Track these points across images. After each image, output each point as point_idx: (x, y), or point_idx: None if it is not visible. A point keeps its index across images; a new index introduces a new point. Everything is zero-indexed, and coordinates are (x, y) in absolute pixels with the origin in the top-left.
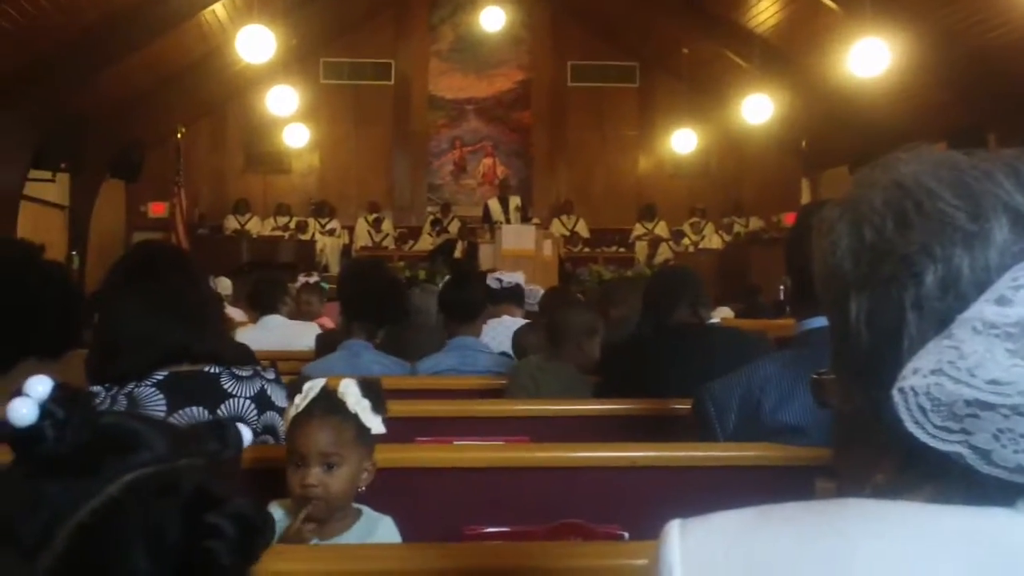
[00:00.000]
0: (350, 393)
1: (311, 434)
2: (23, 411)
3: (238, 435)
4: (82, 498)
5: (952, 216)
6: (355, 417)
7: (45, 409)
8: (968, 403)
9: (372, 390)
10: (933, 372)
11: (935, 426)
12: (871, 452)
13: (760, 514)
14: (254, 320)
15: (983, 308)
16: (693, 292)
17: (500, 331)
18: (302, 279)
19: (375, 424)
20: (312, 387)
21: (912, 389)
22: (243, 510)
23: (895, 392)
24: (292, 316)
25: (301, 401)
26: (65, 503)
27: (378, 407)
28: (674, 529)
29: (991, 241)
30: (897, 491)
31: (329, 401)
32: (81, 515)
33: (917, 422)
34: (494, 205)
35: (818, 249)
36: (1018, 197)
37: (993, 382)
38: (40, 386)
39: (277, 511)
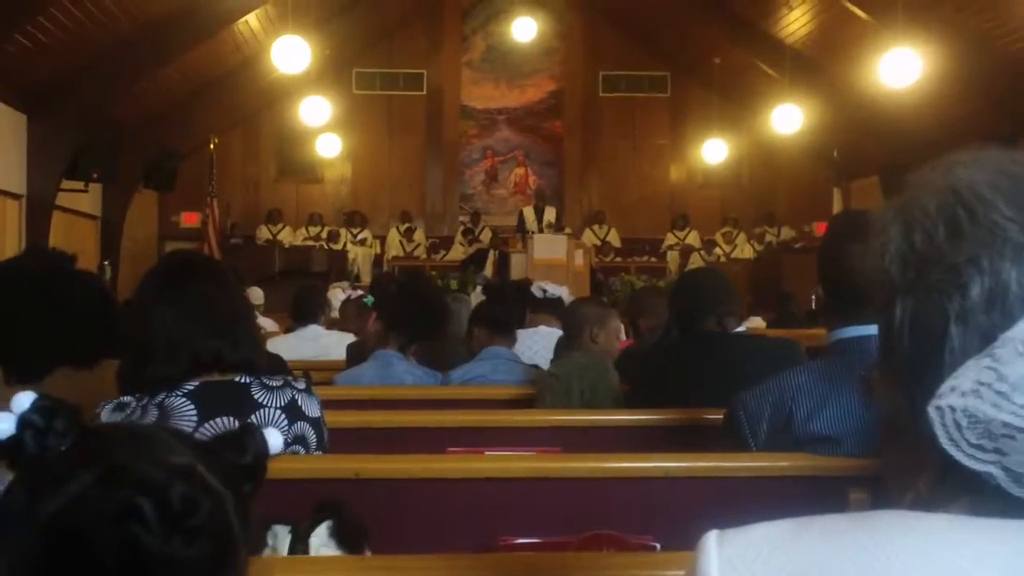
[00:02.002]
0: (322, 544)
1: None
2: (1, 425)
3: (262, 441)
4: (44, 503)
5: (1004, 228)
6: None
7: (24, 420)
8: (1005, 424)
9: (353, 536)
10: (971, 392)
11: (970, 444)
12: (914, 457)
13: (798, 526)
14: (288, 329)
15: None
16: (723, 304)
17: (536, 339)
18: (341, 294)
19: None
20: (278, 547)
21: (949, 407)
22: (161, 492)
23: (931, 410)
24: (329, 326)
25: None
26: (28, 509)
27: (355, 551)
28: (711, 540)
29: None
30: (937, 501)
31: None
32: (42, 519)
33: (952, 439)
34: (528, 214)
35: (870, 249)
36: None
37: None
38: (24, 400)
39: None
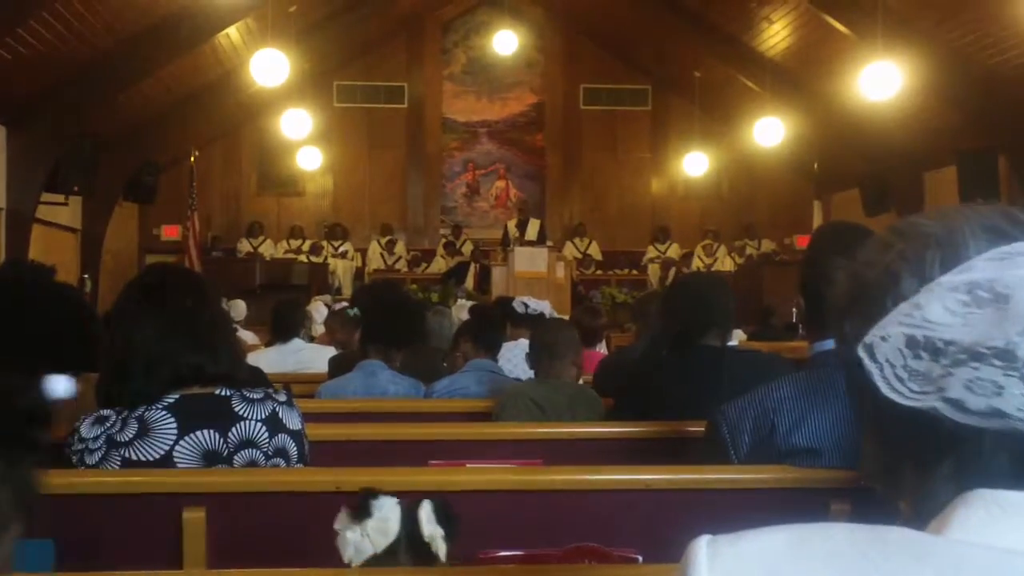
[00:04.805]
0: (433, 526)
1: None
2: None
3: (39, 394)
4: None
5: (927, 230)
6: (435, 558)
7: None
8: (925, 346)
9: (450, 516)
10: (895, 323)
11: (913, 392)
12: (897, 486)
13: (797, 542)
14: (268, 343)
15: (943, 278)
16: (726, 316)
17: (516, 352)
18: (323, 308)
19: (445, 553)
20: (389, 516)
21: (888, 362)
22: None
23: (860, 348)
24: (311, 339)
25: (378, 537)
26: None
27: (453, 535)
28: (702, 549)
29: (962, 242)
30: (923, 512)
31: (415, 545)
32: None
33: (894, 388)
34: (512, 227)
35: (829, 322)
36: (993, 216)
37: (940, 324)
38: None
39: None
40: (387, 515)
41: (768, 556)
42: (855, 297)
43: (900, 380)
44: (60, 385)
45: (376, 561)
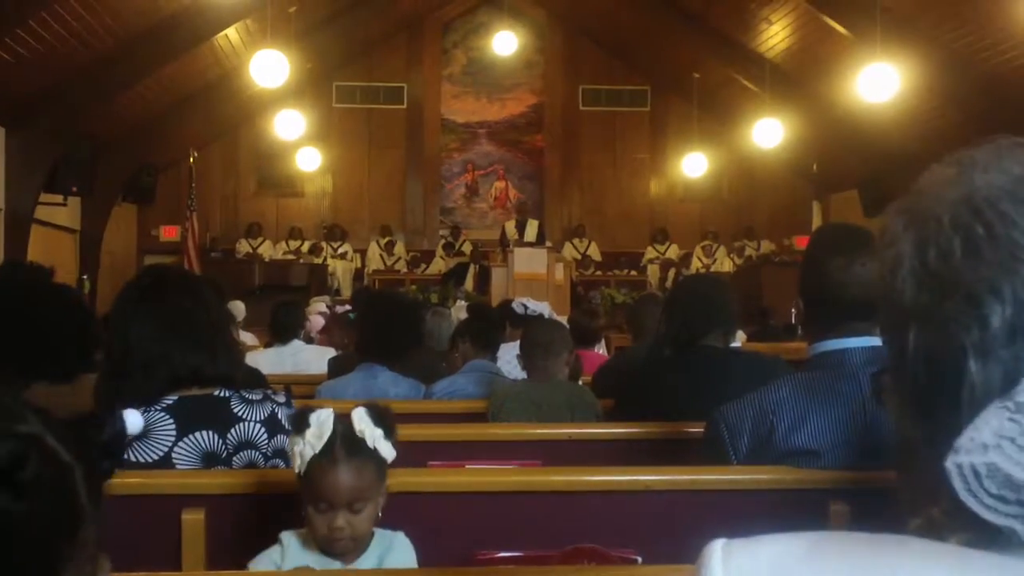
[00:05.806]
0: (365, 422)
1: (338, 481)
2: None
3: (120, 421)
4: None
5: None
6: (374, 452)
7: None
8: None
9: (383, 415)
10: (993, 447)
11: (990, 495)
12: (929, 484)
13: (812, 546)
14: (266, 344)
15: None
16: (728, 317)
17: (515, 353)
18: (323, 308)
19: (389, 451)
20: (324, 421)
21: (970, 463)
22: None
23: (949, 465)
24: (309, 341)
25: (315, 440)
26: None
27: (390, 432)
28: (716, 553)
29: None
30: (946, 528)
31: (349, 439)
32: None
33: (970, 489)
34: (510, 228)
35: (880, 263)
36: None
37: None
38: None
39: (293, 541)
40: (323, 421)
41: (783, 561)
42: (926, 308)
43: (977, 476)
44: (135, 420)
45: (316, 460)
